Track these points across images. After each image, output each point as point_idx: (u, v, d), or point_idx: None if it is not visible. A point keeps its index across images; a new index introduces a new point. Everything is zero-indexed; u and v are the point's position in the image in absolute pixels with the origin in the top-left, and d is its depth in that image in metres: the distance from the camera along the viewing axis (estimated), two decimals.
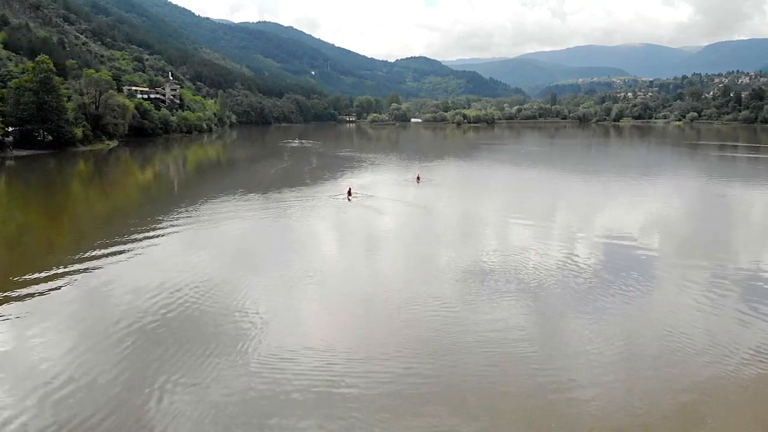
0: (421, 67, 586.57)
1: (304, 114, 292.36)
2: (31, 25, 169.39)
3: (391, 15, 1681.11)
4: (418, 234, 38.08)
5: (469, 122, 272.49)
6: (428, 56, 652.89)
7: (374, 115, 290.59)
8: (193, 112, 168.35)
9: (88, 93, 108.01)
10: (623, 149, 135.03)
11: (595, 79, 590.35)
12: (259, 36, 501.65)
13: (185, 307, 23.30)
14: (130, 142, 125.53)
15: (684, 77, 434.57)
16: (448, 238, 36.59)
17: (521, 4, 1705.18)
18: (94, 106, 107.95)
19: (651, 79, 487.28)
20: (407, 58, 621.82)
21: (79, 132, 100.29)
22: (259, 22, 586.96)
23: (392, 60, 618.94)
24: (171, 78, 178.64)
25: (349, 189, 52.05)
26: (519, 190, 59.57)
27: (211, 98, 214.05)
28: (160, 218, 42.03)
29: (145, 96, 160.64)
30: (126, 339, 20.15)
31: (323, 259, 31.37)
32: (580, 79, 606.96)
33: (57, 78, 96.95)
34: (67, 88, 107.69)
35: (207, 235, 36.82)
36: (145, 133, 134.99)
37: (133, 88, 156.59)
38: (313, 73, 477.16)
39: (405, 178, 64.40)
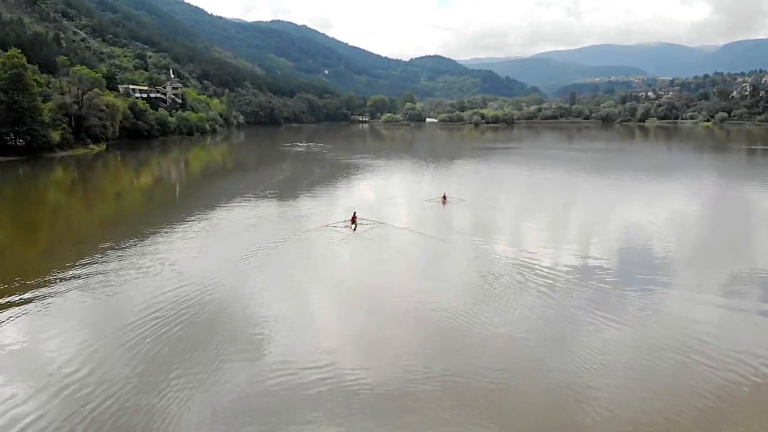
0: (435, 66, 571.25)
1: (315, 114, 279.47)
2: (27, 20, 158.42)
3: (403, 15, 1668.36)
4: (446, 296, 24.96)
5: (487, 122, 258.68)
6: (443, 55, 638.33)
7: (388, 115, 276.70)
8: (195, 113, 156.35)
9: (69, 92, 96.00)
10: (696, 155, 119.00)
11: (612, 78, 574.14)
12: (272, 35, 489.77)
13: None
14: (122, 146, 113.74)
15: (706, 76, 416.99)
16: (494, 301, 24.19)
17: (535, 3, 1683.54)
18: (76, 107, 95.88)
19: (670, 79, 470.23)
20: (422, 57, 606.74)
21: (56, 135, 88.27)
22: (273, 21, 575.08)
23: (406, 59, 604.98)
24: (172, 76, 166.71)
25: (354, 215, 39.31)
26: (586, 216, 45.99)
27: (218, 98, 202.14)
28: (112, 245, 33.67)
29: (144, 95, 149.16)
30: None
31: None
32: (597, 78, 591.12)
33: (30, 75, 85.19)
34: (48, 86, 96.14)
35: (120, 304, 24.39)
36: (139, 135, 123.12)
37: (131, 86, 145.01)
38: (326, 72, 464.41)
39: (426, 197, 50.84)
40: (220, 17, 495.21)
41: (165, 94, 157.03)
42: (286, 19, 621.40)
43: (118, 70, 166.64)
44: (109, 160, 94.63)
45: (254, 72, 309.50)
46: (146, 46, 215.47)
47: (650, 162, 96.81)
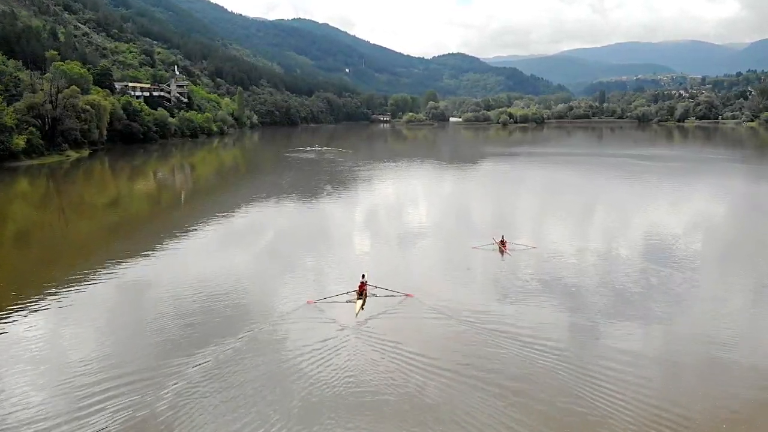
0: (458, 64, 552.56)
1: (334, 114, 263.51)
2: (24, 13, 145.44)
3: (424, 14, 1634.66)
4: None
5: (515, 122, 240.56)
6: (466, 53, 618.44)
7: (410, 114, 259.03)
8: (201, 113, 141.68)
9: (42, 90, 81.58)
10: None
11: (639, 76, 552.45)
12: (293, 33, 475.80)
13: None
14: (112, 151, 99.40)
15: (738, 74, 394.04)
16: None
17: (559, 0, 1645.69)
18: (50, 107, 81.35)
19: (700, 77, 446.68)
20: (444, 55, 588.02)
21: (20, 141, 73.72)
22: (294, 19, 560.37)
23: (428, 57, 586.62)
24: (177, 73, 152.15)
25: (362, 284, 23.68)
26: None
27: (231, 97, 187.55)
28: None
29: (146, 94, 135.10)
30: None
31: None
32: (623, 77, 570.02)
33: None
34: (16, 85, 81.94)
35: None
36: (134, 138, 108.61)
37: (130, 84, 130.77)
38: (347, 70, 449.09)
39: (474, 239, 33.62)
40: (241, 15, 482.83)
41: (169, 92, 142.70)
42: (307, 18, 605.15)
43: (121, 66, 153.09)
44: (88, 169, 79.85)
45: (272, 70, 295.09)
46: (157, 42, 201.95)
47: None
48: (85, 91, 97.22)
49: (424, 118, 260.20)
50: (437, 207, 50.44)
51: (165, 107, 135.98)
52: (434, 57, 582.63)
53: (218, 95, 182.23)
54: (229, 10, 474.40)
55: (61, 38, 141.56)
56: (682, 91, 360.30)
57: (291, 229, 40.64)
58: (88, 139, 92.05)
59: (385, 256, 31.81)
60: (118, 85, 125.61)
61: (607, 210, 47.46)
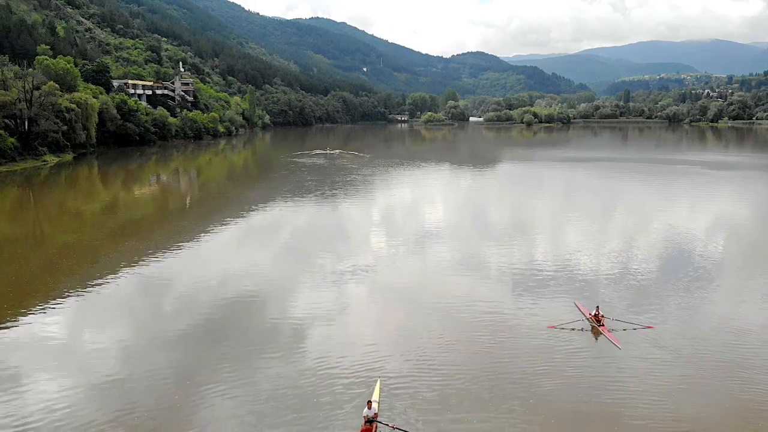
0: (477, 63, 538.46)
1: (351, 113, 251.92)
2: (23, 7, 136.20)
3: (443, 12, 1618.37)
4: None
5: (540, 121, 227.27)
6: (485, 52, 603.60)
7: (429, 114, 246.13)
8: (206, 112, 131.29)
9: (14, 88, 71.38)
10: None
11: (663, 75, 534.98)
12: (310, 32, 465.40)
13: None
14: (104, 155, 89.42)
15: (767, 73, 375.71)
16: None
17: None
18: (26, 106, 71.16)
19: (726, 76, 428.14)
20: (463, 54, 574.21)
21: None
22: (312, 18, 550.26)
23: (447, 56, 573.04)
24: (182, 69, 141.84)
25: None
26: None
27: (242, 96, 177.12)
28: None
29: (149, 92, 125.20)
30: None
31: None
32: (646, 76, 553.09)
33: None
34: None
35: None
36: (129, 140, 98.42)
37: (131, 81, 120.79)
38: (365, 69, 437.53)
39: (552, 313, 22.32)
40: (258, 14, 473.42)
41: (173, 90, 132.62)
42: (325, 17, 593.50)
43: (125, 63, 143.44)
44: (70, 176, 69.75)
45: (287, 68, 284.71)
46: (166, 39, 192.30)
47: None
48: (72, 89, 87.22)
49: (444, 117, 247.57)
50: (468, 221, 38.78)
51: (169, 106, 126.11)
52: (453, 56, 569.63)
53: (228, 94, 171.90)
54: (246, 8, 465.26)
55: (61, 33, 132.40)
56: (708, 91, 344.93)
57: (261, 304, 29.56)
58: (73, 141, 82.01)
59: (406, 330, 20.73)
60: (116, 83, 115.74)
61: (738, 258, 33.10)
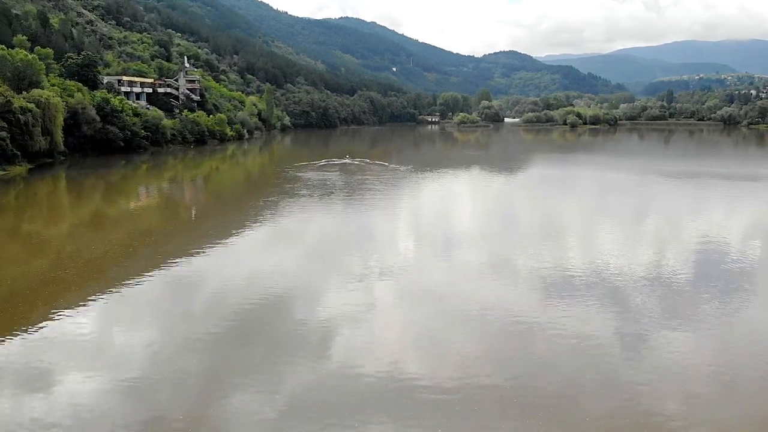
0: (510, 62, 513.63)
1: (378, 114, 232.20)
2: None
3: (473, 12, 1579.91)
4: None
5: (584, 122, 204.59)
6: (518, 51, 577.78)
7: (463, 115, 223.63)
8: (213, 114, 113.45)
9: None
10: None
11: (702, 75, 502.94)
12: (339, 31, 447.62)
13: None
14: (79, 164, 72.21)
15: None
16: None
17: None
18: None
19: None
20: (495, 53, 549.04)
21: None
22: (341, 17, 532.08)
23: (479, 55, 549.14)
24: (187, 65, 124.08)
25: None
26: None
27: (261, 95, 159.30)
28: None
29: (149, 90, 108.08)
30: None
31: None
32: (684, 76, 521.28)
33: None
34: None
35: None
36: (113, 146, 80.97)
37: (126, 78, 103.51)
38: (394, 69, 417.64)
39: None
40: (286, 13, 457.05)
41: (177, 88, 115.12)
42: (354, 17, 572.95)
43: (128, 58, 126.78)
44: (19, 194, 52.57)
45: (312, 67, 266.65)
46: (181, 34, 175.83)
47: None
48: (34, 85, 69.98)
49: (478, 119, 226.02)
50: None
51: (171, 106, 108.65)
52: (485, 55, 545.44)
53: (245, 93, 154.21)
54: (275, 8, 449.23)
55: (56, 25, 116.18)
56: (754, 91, 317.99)
57: None
58: (30, 150, 64.55)
59: None
60: (108, 79, 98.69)
61: None
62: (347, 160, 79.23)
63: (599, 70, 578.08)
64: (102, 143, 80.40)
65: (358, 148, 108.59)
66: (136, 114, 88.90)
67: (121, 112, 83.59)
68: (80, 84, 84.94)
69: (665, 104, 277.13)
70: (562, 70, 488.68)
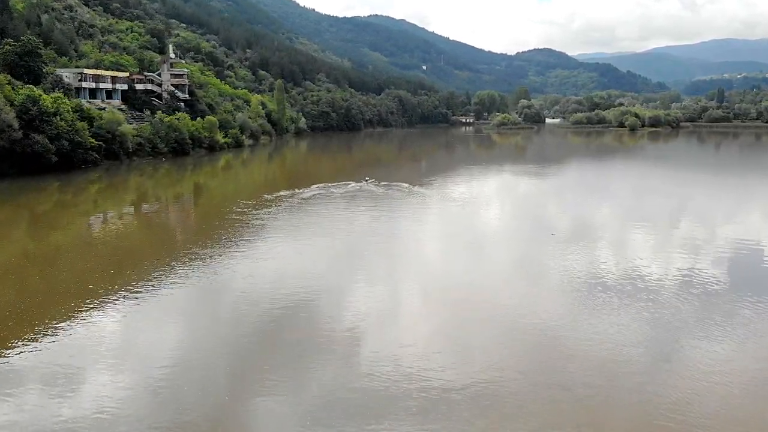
0: (545, 60, 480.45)
1: (407, 115, 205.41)
2: None
3: (504, 11, 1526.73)
4: None
5: (643, 124, 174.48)
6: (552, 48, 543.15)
7: (503, 115, 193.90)
8: (208, 115, 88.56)
9: None
10: None
11: (744, 74, 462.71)
12: (367, 28, 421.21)
13: None
14: None
15: None
16: None
17: None
18: None
19: None
20: (529, 51, 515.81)
21: None
22: (370, 15, 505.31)
23: (512, 53, 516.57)
24: (172, 56, 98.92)
25: None
26: None
27: (272, 93, 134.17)
28: None
29: (123, 86, 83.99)
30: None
31: None
32: (726, 75, 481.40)
33: None
34: None
35: None
36: (42, 161, 56.40)
37: (88, 72, 79.15)
38: (424, 68, 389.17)
39: None
40: (313, 10, 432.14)
41: (159, 84, 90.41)
42: (383, 15, 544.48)
43: (112, 49, 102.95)
44: None
45: (336, 63, 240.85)
46: (185, 25, 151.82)
47: None
48: None
49: (519, 119, 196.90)
50: None
51: (153, 107, 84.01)
52: (518, 53, 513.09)
53: (255, 92, 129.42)
54: (302, 5, 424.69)
55: (21, 9, 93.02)
56: None
57: None
58: None
59: None
60: (63, 72, 74.57)
61: None
62: (366, 183, 52.93)
63: (634, 68, 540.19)
64: (26, 158, 55.86)
65: (384, 159, 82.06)
66: (85, 117, 64.14)
67: (55, 114, 58.75)
68: (11, 77, 60.84)
69: (719, 104, 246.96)
70: (600, 68, 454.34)
